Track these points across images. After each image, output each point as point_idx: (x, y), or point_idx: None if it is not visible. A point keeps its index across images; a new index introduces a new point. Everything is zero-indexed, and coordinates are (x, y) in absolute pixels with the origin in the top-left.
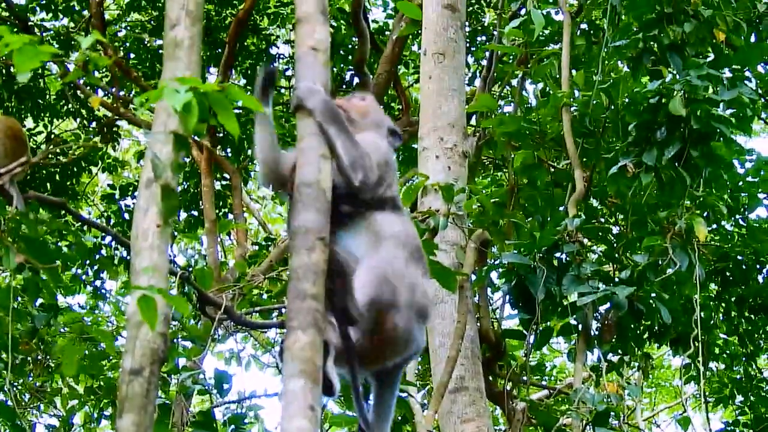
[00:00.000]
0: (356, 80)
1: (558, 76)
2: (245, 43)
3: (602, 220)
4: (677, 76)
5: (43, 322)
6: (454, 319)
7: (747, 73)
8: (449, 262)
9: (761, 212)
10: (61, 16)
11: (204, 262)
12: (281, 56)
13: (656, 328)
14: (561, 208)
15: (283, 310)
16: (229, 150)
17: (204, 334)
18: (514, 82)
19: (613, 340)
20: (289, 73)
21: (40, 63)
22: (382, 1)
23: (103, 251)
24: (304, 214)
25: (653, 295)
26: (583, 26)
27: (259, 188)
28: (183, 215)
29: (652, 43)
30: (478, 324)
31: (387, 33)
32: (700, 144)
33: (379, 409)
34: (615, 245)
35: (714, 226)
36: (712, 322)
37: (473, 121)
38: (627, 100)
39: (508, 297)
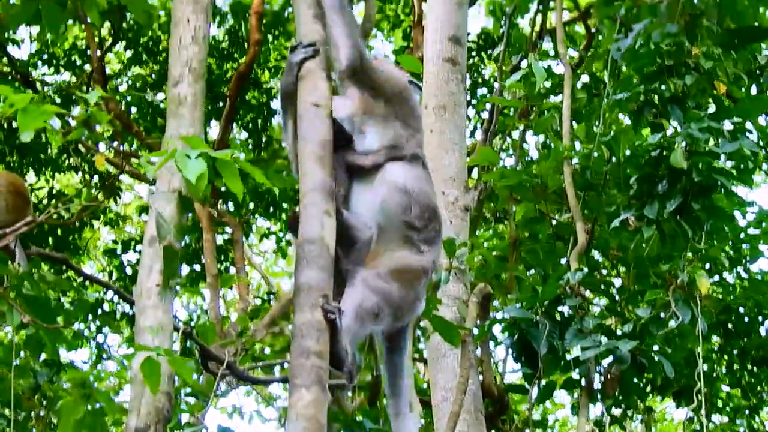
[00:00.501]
0: None
1: (559, 128)
2: (246, 97)
3: (604, 272)
4: (678, 129)
5: (45, 378)
6: (457, 374)
7: (748, 125)
8: (451, 316)
9: (763, 264)
10: (62, 70)
11: (206, 316)
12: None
13: (659, 381)
14: (563, 261)
15: (286, 365)
16: (230, 204)
17: (207, 390)
18: (515, 134)
19: (616, 393)
20: None
21: (43, 123)
22: (384, 55)
23: (106, 306)
24: (308, 272)
25: (656, 348)
26: (584, 78)
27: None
28: (185, 270)
29: (653, 95)
30: (481, 378)
31: None
32: (701, 196)
33: (393, 371)
34: (617, 298)
35: (716, 277)
36: (714, 374)
37: (474, 174)
38: (628, 152)
39: (510, 351)
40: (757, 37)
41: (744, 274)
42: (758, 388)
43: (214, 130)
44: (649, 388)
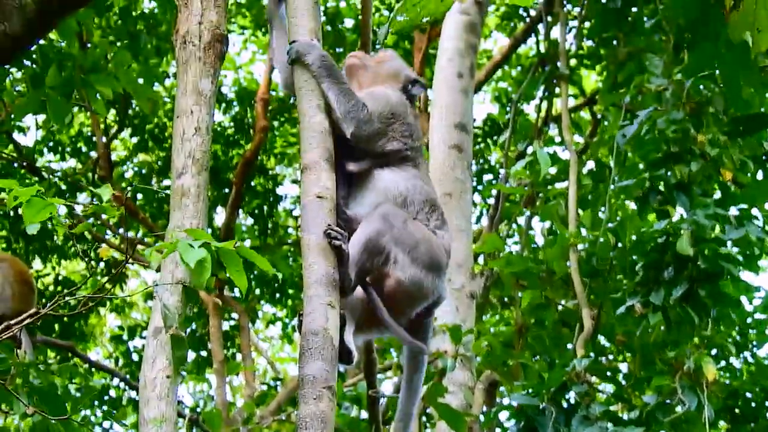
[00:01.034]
0: None
1: (565, 215)
2: (252, 184)
3: (610, 358)
4: (684, 215)
5: None
6: None
7: (754, 211)
8: (458, 403)
9: None
10: (68, 157)
11: (212, 403)
12: (288, 196)
13: None
14: (569, 347)
15: None
16: (236, 290)
17: None
18: (521, 220)
19: None
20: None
21: (48, 215)
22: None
23: (112, 392)
24: (312, 364)
25: None
26: (590, 165)
27: (268, 328)
28: (191, 356)
29: (658, 182)
30: None
31: None
32: (707, 283)
33: (414, 362)
34: (623, 385)
35: (722, 363)
36: None
37: (480, 260)
38: (634, 239)
39: None
40: (764, 124)
41: (751, 359)
42: None
43: (220, 216)
44: None
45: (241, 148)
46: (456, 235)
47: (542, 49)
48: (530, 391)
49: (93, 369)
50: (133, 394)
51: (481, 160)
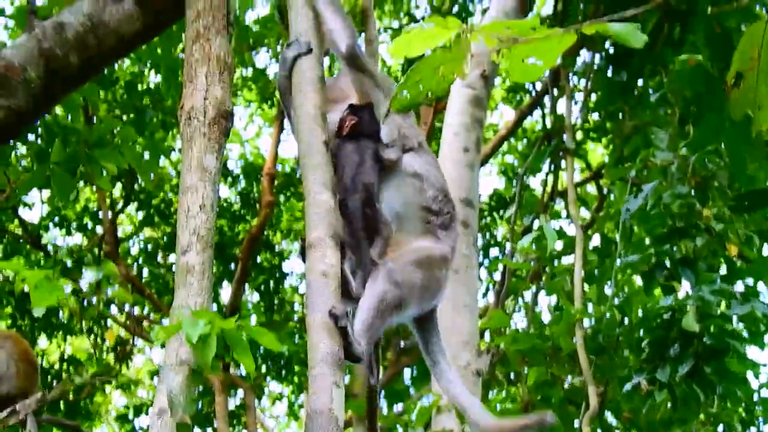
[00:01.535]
0: None
1: (571, 290)
2: (258, 259)
3: None
4: (690, 291)
5: None
6: None
7: (760, 286)
8: None
9: None
10: (73, 233)
11: None
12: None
13: None
14: (576, 425)
15: None
16: (242, 367)
17: None
18: (528, 295)
19: None
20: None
21: (56, 299)
22: None
23: None
24: None
25: None
26: (596, 239)
27: (274, 405)
28: None
29: (664, 257)
30: None
31: None
32: (713, 360)
33: (433, 349)
34: None
35: None
36: None
37: (486, 336)
38: (640, 315)
39: None
40: None
41: None
42: None
43: (226, 292)
44: None
45: (247, 223)
46: (461, 312)
47: (548, 123)
48: None
49: None
50: None
51: (488, 235)
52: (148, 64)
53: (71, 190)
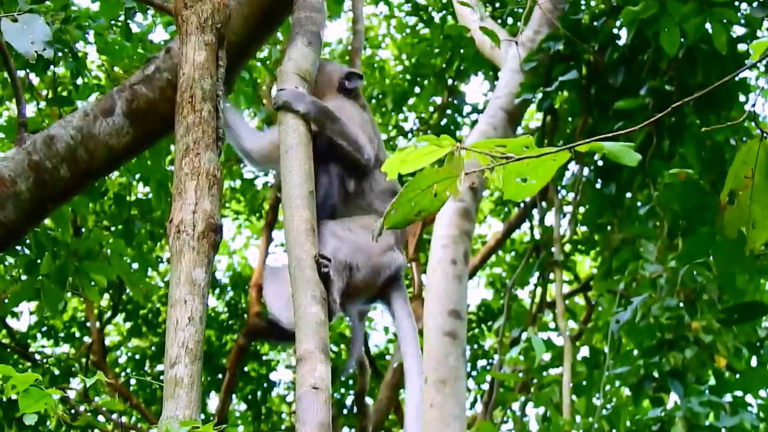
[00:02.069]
0: (356, 409)
1: (559, 401)
2: (246, 369)
3: None
4: (679, 403)
5: None
6: None
7: (749, 398)
8: None
9: None
10: (61, 343)
11: None
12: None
13: None
14: None
15: None
16: None
17: None
18: (516, 407)
19: None
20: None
21: (45, 406)
22: (384, 329)
23: None
24: None
25: None
26: (584, 350)
27: None
28: None
29: (653, 369)
30: None
31: (387, 358)
32: None
33: (400, 314)
34: None
35: None
36: None
37: None
38: (629, 425)
39: None
40: (758, 313)
41: None
42: None
43: (214, 401)
44: None
45: (234, 333)
46: (450, 423)
47: (536, 235)
48: None
49: None
50: None
51: (475, 346)
52: (137, 177)
53: (60, 301)
